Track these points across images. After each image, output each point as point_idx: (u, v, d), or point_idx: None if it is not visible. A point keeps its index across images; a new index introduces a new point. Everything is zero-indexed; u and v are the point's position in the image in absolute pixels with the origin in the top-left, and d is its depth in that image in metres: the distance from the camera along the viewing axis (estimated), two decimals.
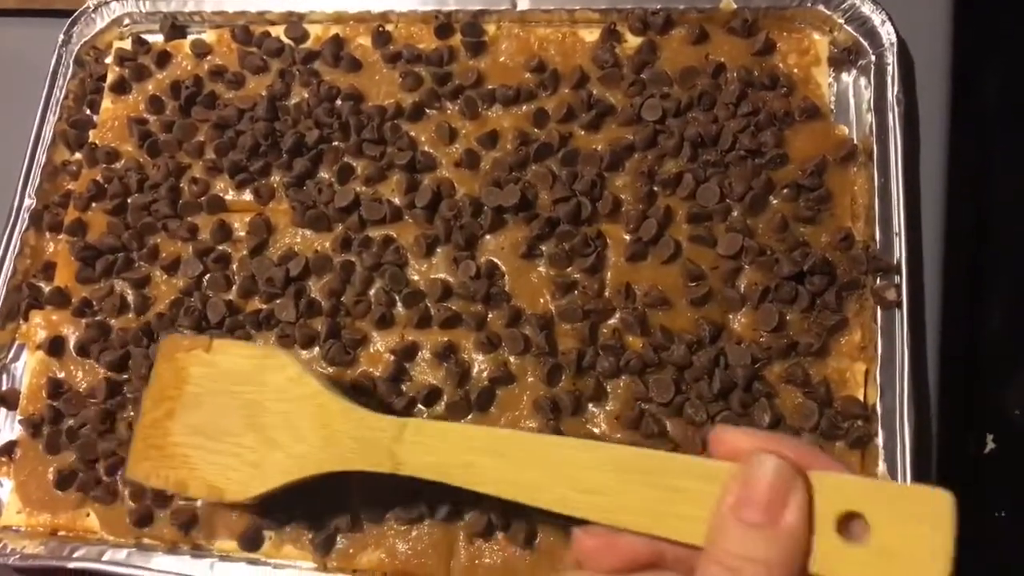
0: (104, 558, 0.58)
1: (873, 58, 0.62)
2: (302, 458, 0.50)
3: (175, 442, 0.53)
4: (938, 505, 0.31)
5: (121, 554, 0.59)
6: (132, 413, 0.62)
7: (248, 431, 0.51)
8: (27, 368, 0.67)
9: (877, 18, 0.62)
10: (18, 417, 0.65)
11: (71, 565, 0.58)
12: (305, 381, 0.51)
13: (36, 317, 0.67)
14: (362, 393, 0.60)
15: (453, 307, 0.61)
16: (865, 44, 0.62)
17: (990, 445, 0.65)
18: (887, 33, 0.62)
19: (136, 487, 0.60)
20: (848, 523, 0.32)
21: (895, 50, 0.61)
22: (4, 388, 0.67)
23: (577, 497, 0.38)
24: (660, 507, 0.35)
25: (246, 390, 0.52)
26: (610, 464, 0.38)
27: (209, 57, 0.73)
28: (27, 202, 0.70)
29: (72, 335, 0.65)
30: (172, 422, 0.53)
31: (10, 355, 0.68)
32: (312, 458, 0.49)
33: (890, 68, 0.61)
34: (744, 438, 0.34)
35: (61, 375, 0.65)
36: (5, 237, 0.69)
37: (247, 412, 0.52)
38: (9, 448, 0.64)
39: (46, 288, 0.68)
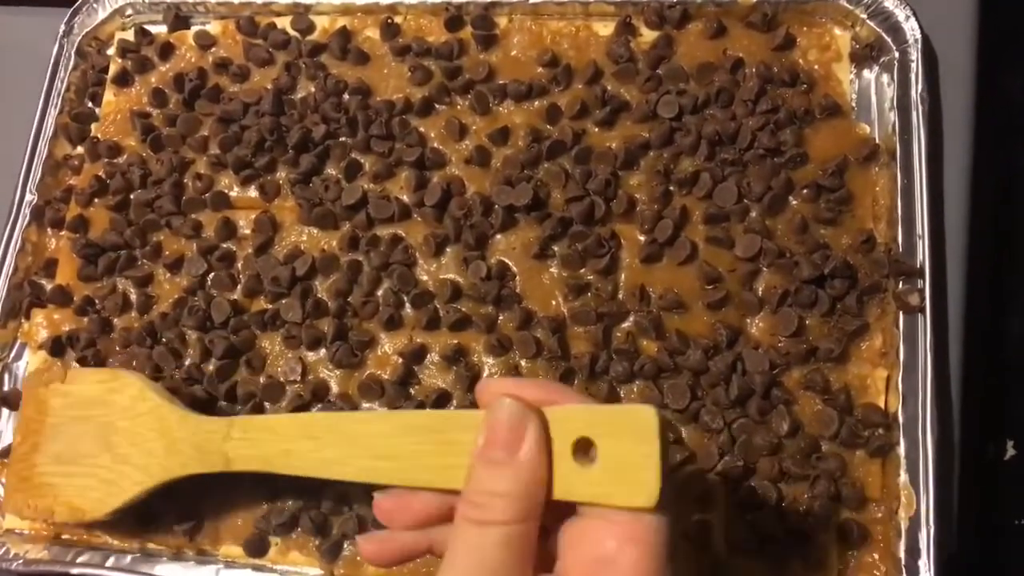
0: (108, 564, 0.58)
1: (896, 54, 0.60)
2: (149, 468, 0.53)
3: (40, 472, 0.57)
4: (644, 420, 0.33)
5: (125, 559, 0.58)
6: None
7: (103, 451, 0.55)
8: (29, 368, 0.65)
9: (901, 13, 0.60)
10: None
11: (74, 571, 0.57)
12: (147, 396, 0.54)
13: (38, 316, 0.66)
14: (371, 397, 0.59)
15: (463, 309, 0.60)
16: (888, 40, 0.61)
17: (1010, 451, 0.63)
18: (911, 29, 0.60)
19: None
20: (588, 450, 0.34)
21: (919, 46, 0.59)
22: (6, 388, 0.66)
23: (376, 464, 0.40)
24: (440, 461, 0.37)
25: (98, 413, 0.56)
26: (400, 429, 0.40)
27: (213, 49, 0.71)
28: (28, 197, 0.69)
29: (74, 335, 0.64)
30: (37, 454, 0.57)
31: (12, 354, 0.67)
32: (157, 467, 0.53)
33: (914, 65, 0.59)
34: (497, 385, 0.37)
35: None
36: (6, 234, 0.68)
37: (100, 433, 0.55)
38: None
39: (48, 286, 0.67)
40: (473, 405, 0.56)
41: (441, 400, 0.58)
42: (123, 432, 0.55)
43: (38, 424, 0.58)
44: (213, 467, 0.50)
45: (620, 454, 0.33)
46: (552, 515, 0.35)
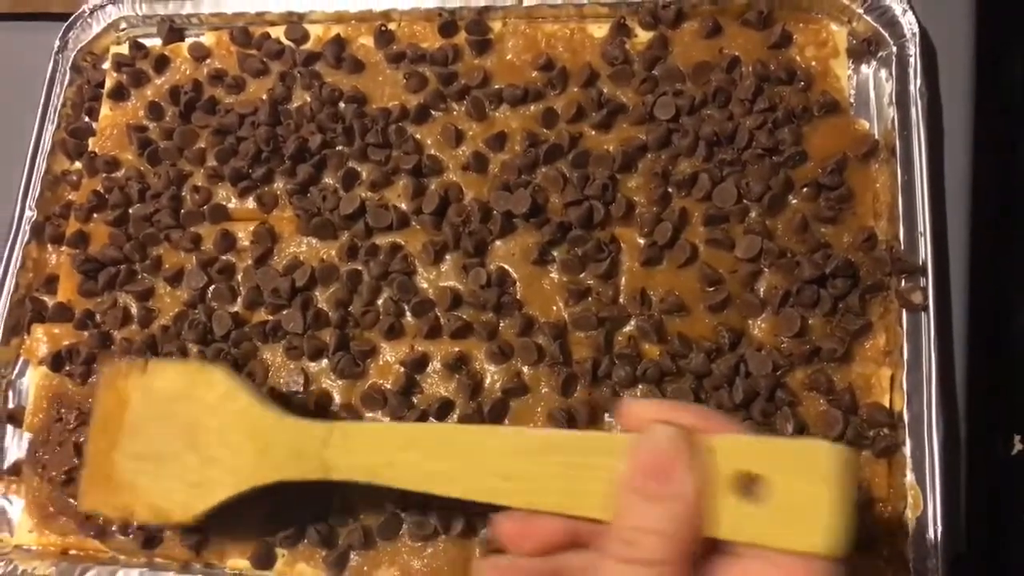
0: None
1: (894, 49, 0.60)
2: (239, 472, 0.50)
3: (121, 469, 0.54)
4: (829, 459, 0.30)
5: (132, 574, 0.58)
6: None
7: (188, 451, 0.52)
8: (31, 384, 0.65)
9: (898, 7, 0.60)
10: (26, 435, 0.64)
11: None
12: (236, 395, 0.52)
13: (38, 331, 0.66)
14: (374, 407, 0.58)
15: (464, 316, 0.59)
16: (885, 34, 0.60)
17: (1018, 447, 0.63)
18: (908, 23, 0.59)
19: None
20: (752, 485, 0.31)
21: (917, 40, 0.59)
22: (11, 406, 0.66)
23: (495, 484, 0.38)
24: (572, 486, 0.35)
25: (182, 410, 0.53)
26: (524, 447, 0.38)
27: (208, 60, 0.71)
28: (28, 214, 0.69)
29: (75, 349, 0.64)
30: (116, 451, 0.54)
31: (15, 371, 0.67)
32: (248, 471, 0.50)
33: (912, 59, 0.59)
34: (646, 408, 0.34)
35: (65, 391, 0.64)
36: (7, 251, 0.68)
37: (185, 432, 0.52)
38: (19, 467, 0.64)
39: (50, 302, 0.67)
40: (478, 412, 0.56)
41: (444, 409, 0.58)
42: (211, 431, 0.52)
43: (117, 419, 0.55)
44: (310, 474, 0.48)
45: (796, 492, 0.30)
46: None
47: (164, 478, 0.53)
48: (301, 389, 0.60)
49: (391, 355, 0.60)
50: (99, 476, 0.55)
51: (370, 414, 0.59)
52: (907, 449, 0.52)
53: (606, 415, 0.56)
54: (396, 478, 0.43)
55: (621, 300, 0.58)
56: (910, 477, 0.52)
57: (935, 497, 0.51)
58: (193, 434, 0.52)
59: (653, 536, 0.31)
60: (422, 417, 0.57)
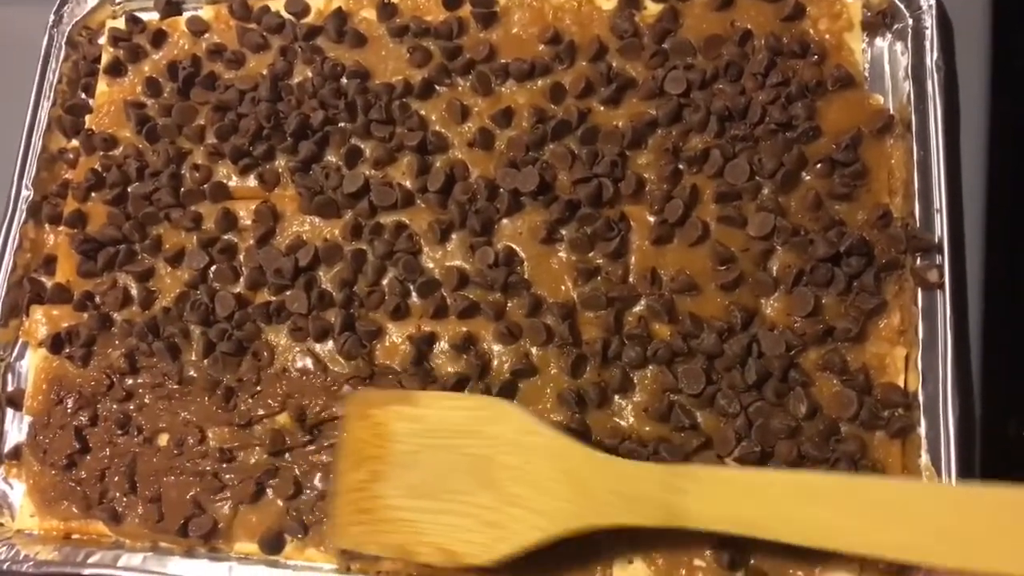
0: (119, 563, 0.57)
1: (910, 21, 0.58)
2: (551, 514, 0.46)
3: (390, 505, 0.50)
4: None
5: (136, 559, 0.57)
6: (142, 420, 0.61)
7: (481, 488, 0.48)
8: (31, 366, 0.64)
9: None
10: (26, 418, 0.63)
11: (86, 572, 0.57)
12: (538, 430, 0.48)
13: (37, 313, 0.65)
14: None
15: (471, 296, 0.58)
16: (901, 7, 0.59)
17: None
18: None
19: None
20: None
21: (933, 12, 0.58)
22: (11, 388, 0.65)
23: (925, 542, 0.36)
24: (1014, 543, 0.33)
25: (467, 444, 0.49)
26: (963, 503, 0.36)
27: (207, 35, 0.69)
28: (24, 193, 0.68)
29: (74, 331, 0.63)
30: (382, 484, 0.50)
31: (15, 353, 0.66)
32: (564, 513, 0.46)
33: (928, 32, 0.57)
34: None
35: (65, 374, 0.63)
36: (3, 231, 0.67)
37: (475, 468, 0.48)
38: (19, 450, 0.63)
39: (48, 283, 0.65)
40: (486, 393, 0.55)
41: (460, 384, 0.57)
42: (508, 468, 0.48)
43: (377, 450, 0.51)
44: (649, 520, 0.45)
45: None
46: None
47: (451, 515, 0.48)
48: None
49: (397, 335, 0.59)
50: (355, 511, 0.51)
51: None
52: (922, 430, 0.51)
53: (616, 397, 0.55)
54: (786, 532, 0.40)
55: (631, 279, 0.57)
56: (925, 458, 0.51)
57: (950, 478, 0.50)
58: (486, 470, 0.48)
59: None
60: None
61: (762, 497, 0.42)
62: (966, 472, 0.51)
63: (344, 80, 0.65)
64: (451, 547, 0.48)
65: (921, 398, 0.52)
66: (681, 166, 0.59)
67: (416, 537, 0.49)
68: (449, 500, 0.49)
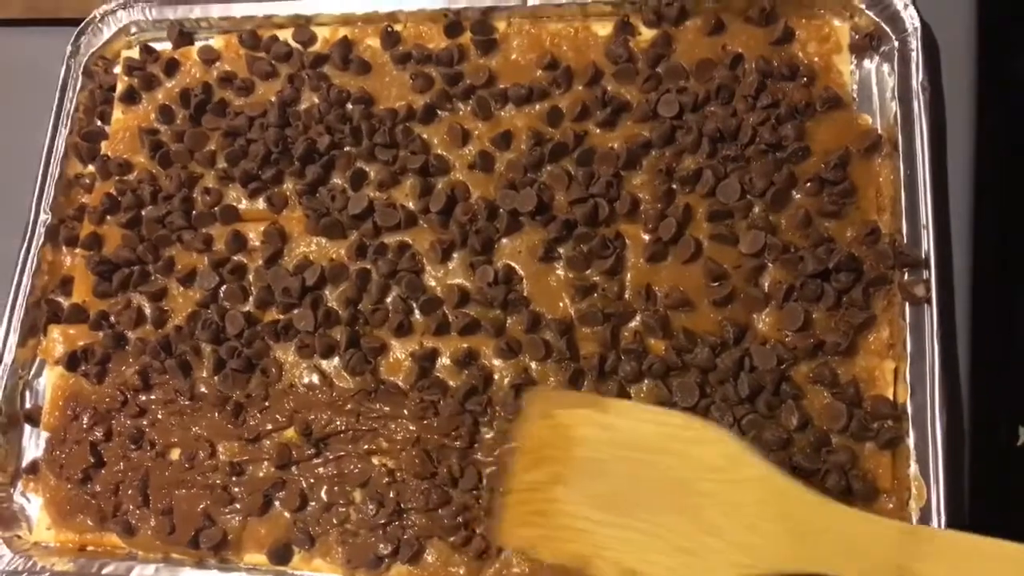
0: (133, 574, 0.59)
1: (896, 43, 0.60)
2: (758, 552, 0.43)
3: (567, 512, 0.47)
4: None
5: (149, 570, 0.59)
6: (155, 435, 0.63)
7: (674, 511, 0.45)
8: (48, 384, 0.67)
9: (899, 2, 0.60)
10: (43, 434, 0.65)
11: None
12: (750, 461, 0.45)
13: (54, 332, 0.67)
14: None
15: (471, 313, 0.60)
16: (887, 29, 0.61)
17: (1022, 438, 0.63)
18: (910, 17, 0.60)
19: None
20: None
21: (919, 34, 0.59)
22: (29, 405, 0.67)
23: None
24: None
25: (662, 461, 0.46)
26: None
27: (217, 64, 0.72)
28: (42, 217, 0.70)
29: (90, 350, 0.65)
30: (562, 488, 0.47)
31: (32, 371, 0.68)
32: (773, 553, 0.43)
33: (914, 54, 0.59)
34: None
35: (81, 391, 0.65)
36: (23, 254, 0.69)
37: (670, 489, 0.46)
38: (36, 465, 0.65)
39: (65, 303, 0.68)
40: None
41: (470, 394, 0.58)
42: (708, 496, 0.45)
43: (560, 453, 0.48)
44: None
45: None
46: None
47: (638, 533, 0.46)
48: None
49: (401, 352, 0.61)
50: (528, 512, 0.49)
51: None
52: (911, 441, 0.53)
53: None
54: None
55: (627, 296, 0.59)
56: (914, 468, 0.52)
57: (939, 488, 0.51)
58: (683, 494, 0.45)
59: None
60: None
61: (1008, 572, 0.39)
62: (955, 482, 0.52)
63: (349, 106, 0.67)
64: (634, 566, 0.45)
65: (910, 409, 0.53)
66: (674, 186, 0.60)
67: (595, 550, 0.46)
68: (637, 518, 0.46)
